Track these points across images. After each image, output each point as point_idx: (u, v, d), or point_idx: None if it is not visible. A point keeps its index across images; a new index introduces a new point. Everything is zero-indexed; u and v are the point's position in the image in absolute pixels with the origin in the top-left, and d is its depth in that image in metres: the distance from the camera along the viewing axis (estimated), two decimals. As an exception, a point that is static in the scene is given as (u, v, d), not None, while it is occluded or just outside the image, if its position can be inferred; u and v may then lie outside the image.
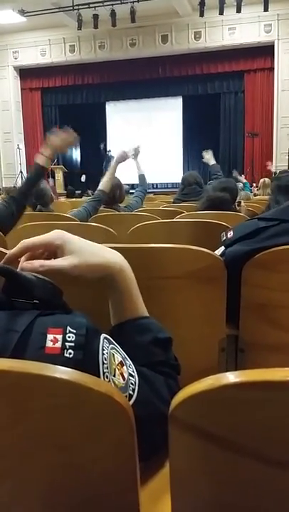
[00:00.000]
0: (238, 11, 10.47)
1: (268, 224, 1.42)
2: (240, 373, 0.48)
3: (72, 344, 0.60)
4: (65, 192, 11.08)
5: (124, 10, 10.72)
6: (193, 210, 3.16)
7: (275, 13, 11.08)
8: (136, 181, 4.26)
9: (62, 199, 7.68)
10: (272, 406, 0.48)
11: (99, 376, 0.61)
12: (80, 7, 10.93)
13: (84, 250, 0.80)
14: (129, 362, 0.68)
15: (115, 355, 0.66)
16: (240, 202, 3.23)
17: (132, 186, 3.90)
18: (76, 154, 15.94)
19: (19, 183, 12.82)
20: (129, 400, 0.64)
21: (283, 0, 10.82)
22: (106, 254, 0.82)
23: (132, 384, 0.65)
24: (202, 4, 10.45)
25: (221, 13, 10.52)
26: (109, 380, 0.62)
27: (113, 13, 10.93)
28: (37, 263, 0.77)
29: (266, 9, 10.23)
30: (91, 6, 10.81)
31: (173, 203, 4.69)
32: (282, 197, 2.40)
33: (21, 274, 0.67)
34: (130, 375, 0.66)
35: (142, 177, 4.16)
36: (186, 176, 4.69)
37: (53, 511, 0.61)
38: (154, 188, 13.30)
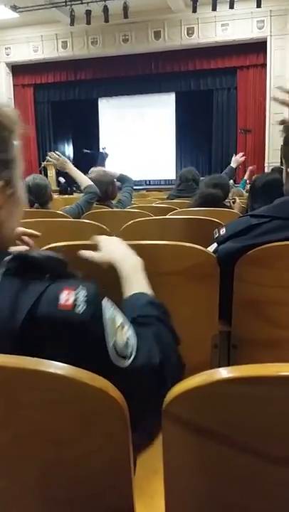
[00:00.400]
0: (231, 7, 10.45)
1: (260, 221, 1.42)
2: (233, 369, 0.49)
3: (84, 300, 0.65)
4: (58, 189, 11.04)
5: (116, 6, 10.67)
6: (186, 207, 3.16)
7: (267, 10, 11.08)
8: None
9: (56, 196, 7.65)
10: (265, 401, 0.49)
11: (104, 336, 0.65)
12: (73, 3, 10.87)
13: (109, 251, 1.10)
14: (128, 324, 0.73)
15: (116, 316, 0.70)
16: (235, 199, 3.25)
17: (120, 188, 3.87)
18: (69, 151, 15.89)
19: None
20: (129, 358, 0.67)
21: (276, -4, 10.83)
22: (115, 253, 1.08)
23: (131, 344, 0.69)
24: (195, 0, 10.43)
25: (214, 9, 10.50)
26: (112, 340, 0.66)
27: (106, 9, 10.87)
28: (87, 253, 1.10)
29: (259, 5, 10.22)
30: (84, 1, 10.75)
31: (167, 198, 4.69)
32: (259, 197, 2.42)
33: (31, 255, 0.71)
34: (129, 337, 0.70)
35: (122, 176, 4.04)
36: (184, 171, 4.67)
37: (49, 505, 0.61)
38: (146, 184, 13.27)
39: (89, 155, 13.16)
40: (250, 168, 7.83)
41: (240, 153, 5.32)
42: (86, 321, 0.63)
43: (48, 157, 3.58)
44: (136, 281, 0.97)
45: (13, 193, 0.79)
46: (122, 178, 4.02)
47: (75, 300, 0.64)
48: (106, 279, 0.98)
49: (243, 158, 5.17)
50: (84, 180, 3.33)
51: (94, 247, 1.14)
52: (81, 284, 0.68)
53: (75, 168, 3.43)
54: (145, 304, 0.86)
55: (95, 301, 0.66)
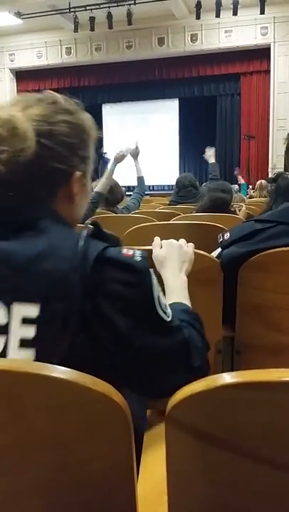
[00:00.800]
0: (235, 13, 10.49)
1: (265, 226, 1.42)
2: (237, 374, 0.49)
3: (140, 254, 0.78)
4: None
5: (120, 12, 10.72)
6: (190, 212, 3.16)
7: (271, 16, 11.11)
8: (133, 183, 4.21)
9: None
10: (268, 406, 0.49)
11: (152, 287, 0.78)
12: (77, 9, 10.93)
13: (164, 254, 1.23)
14: (169, 308, 0.84)
15: (161, 296, 0.81)
16: (241, 205, 3.25)
17: (129, 188, 3.89)
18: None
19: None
20: (168, 317, 0.81)
21: (279, 3, 10.85)
22: (163, 255, 1.23)
23: (168, 309, 0.83)
24: (198, 7, 10.47)
25: (218, 15, 10.54)
26: (163, 307, 0.79)
27: (110, 16, 10.93)
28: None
29: (262, 12, 10.25)
30: (88, 8, 10.81)
31: (168, 205, 4.69)
32: (280, 198, 2.41)
33: (103, 230, 0.83)
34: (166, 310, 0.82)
35: (140, 179, 4.12)
36: (181, 178, 4.69)
37: (51, 509, 0.61)
38: (150, 189, 13.29)
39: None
40: (236, 172, 7.79)
41: (207, 148, 5.26)
42: (143, 267, 0.76)
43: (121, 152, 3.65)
44: (177, 293, 1.10)
45: (85, 184, 0.93)
46: (140, 182, 4.08)
47: (134, 254, 0.78)
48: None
49: (212, 151, 5.12)
50: (104, 184, 3.37)
51: None
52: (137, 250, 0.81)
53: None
54: (180, 310, 0.97)
55: (146, 260, 0.79)
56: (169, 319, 0.80)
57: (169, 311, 0.82)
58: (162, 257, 1.23)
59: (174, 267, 1.20)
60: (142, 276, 0.77)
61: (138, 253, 0.79)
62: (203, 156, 5.21)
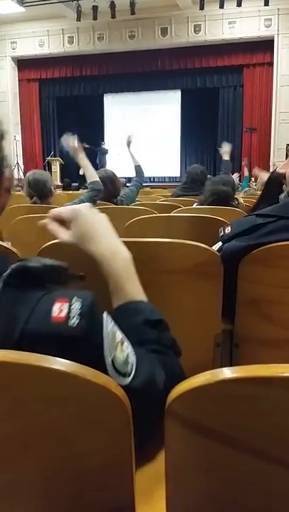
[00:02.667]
0: (239, 4, 10.42)
1: (266, 220, 1.42)
2: (237, 369, 0.49)
3: (78, 312, 0.62)
4: (62, 184, 11.04)
5: (123, 2, 10.65)
6: (190, 205, 3.15)
7: (275, 8, 11.04)
8: (132, 175, 4.19)
9: (59, 191, 7.65)
10: (268, 401, 0.49)
11: (102, 349, 0.63)
12: (80, -2, 10.87)
13: (83, 235, 0.93)
14: (128, 342, 0.70)
15: (116, 332, 0.68)
16: (237, 199, 3.24)
17: (129, 180, 3.86)
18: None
19: (15, 175, 12.78)
20: (128, 376, 0.65)
21: (284, -6, 10.79)
22: (99, 246, 0.92)
23: (130, 362, 0.67)
24: (202, -3, 10.41)
25: (222, 6, 10.48)
26: (112, 354, 0.64)
27: (113, 5, 10.86)
28: (48, 223, 0.97)
29: (266, 3, 10.19)
30: (91, -4, 10.75)
31: (171, 196, 4.67)
32: (274, 189, 2.40)
33: (30, 265, 0.70)
34: (128, 354, 0.68)
35: (138, 168, 4.08)
36: (191, 169, 4.63)
37: (49, 501, 0.61)
38: (151, 181, 13.27)
39: (89, 150, 13.20)
40: (244, 163, 7.72)
41: (225, 143, 5.14)
42: (79, 334, 0.60)
43: (61, 140, 3.62)
44: (129, 283, 0.88)
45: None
46: (138, 170, 4.04)
47: (69, 312, 0.62)
48: (107, 290, 0.93)
49: (229, 148, 5.02)
50: (92, 174, 3.33)
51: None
52: (76, 295, 0.65)
53: (86, 159, 3.41)
54: (142, 323, 0.81)
55: (90, 313, 0.63)
56: (129, 379, 0.64)
57: (130, 363, 0.66)
58: (81, 232, 0.94)
59: (113, 241, 0.94)
60: (79, 343, 0.60)
61: (75, 311, 0.62)
62: (218, 148, 5.09)
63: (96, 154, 12.65)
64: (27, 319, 0.62)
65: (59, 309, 0.62)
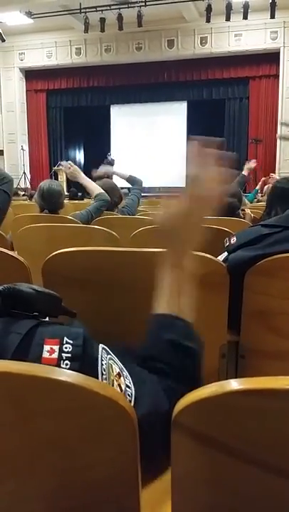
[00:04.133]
0: (245, 17, 10.50)
1: (272, 231, 1.42)
2: (244, 381, 0.49)
3: (69, 355, 0.61)
4: (68, 194, 11.08)
5: (131, 14, 10.75)
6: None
7: (281, 21, 11.11)
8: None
9: (65, 201, 7.67)
10: (275, 414, 0.48)
11: None
12: (87, 10, 10.97)
13: (184, 224, 0.87)
14: (126, 373, 0.68)
15: (113, 366, 0.66)
16: (244, 210, 3.25)
17: (129, 190, 3.83)
18: (80, 156, 15.97)
19: (22, 184, 12.84)
20: None
21: (290, 8, 10.86)
22: (181, 246, 0.87)
23: (128, 395, 0.65)
24: (209, 10, 10.48)
25: (228, 19, 10.55)
26: None
27: (120, 17, 10.96)
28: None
29: (273, 16, 10.25)
30: (98, 9, 10.85)
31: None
32: (276, 201, 2.41)
33: (22, 289, 0.68)
34: (127, 386, 0.66)
35: (131, 178, 3.96)
36: None
37: (55, 513, 0.61)
38: (157, 191, 13.29)
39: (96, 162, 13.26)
40: (264, 178, 7.78)
41: (253, 160, 5.30)
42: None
43: (59, 163, 3.67)
44: (184, 299, 0.84)
45: None
46: (132, 180, 3.95)
47: (60, 354, 0.60)
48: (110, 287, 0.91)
49: (255, 164, 5.16)
50: (95, 188, 3.32)
51: (105, 254, 1.09)
52: (66, 334, 0.63)
53: (86, 178, 3.42)
54: (168, 341, 0.75)
55: (82, 354, 0.61)
56: None
57: (127, 397, 0.64)
58: (169, 231, 0.87)
59: (181, 248, 0.88)
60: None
61: (67, 353, 0.60)
62: (246, 162, 5.28)
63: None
64: (15, 351, 0.60)
65: (49, 351, 0.60)
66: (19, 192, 10.11)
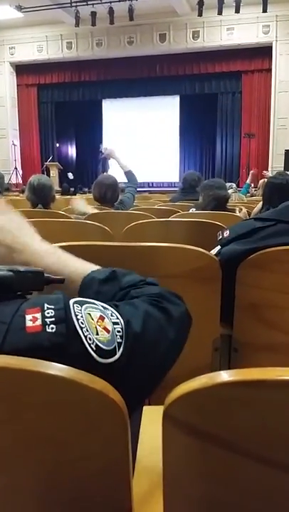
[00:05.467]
0: (237, 11, 10.48)
1: (265, 224, 1.42)
2: (234, 372, 0.49)
3: (53, 319, 0.61)
4: (60, 189, 11.05)
5: (122, 8, 10.70)
6: (186, 209, 3.16)
7: (273, 14, 11.10)
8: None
9: (57, 196, 7.65)
10: (266, 405, 0.48)
11: (83, 342, 0.61)
12: (78, 4, 10.91)
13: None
14: (110, 310, 0.68)
15: (92, 313, 0.66)
16: (241, 208, 3.27)
17: (125, 185, 3.84)
18: (72, 151, 15.92)
19: (13, 180, 12.79)
20: (119, 347, 0.64)
21: (282, 1, 10.84)
22: (27, 250, 0.85)
23: (118, 332, 0.65)
24: (201, 4, 10.45)
25: (220, 13, 10.52)
26: (93, 341, 0.62)
27: (111, 11, 10.90)
28: None
29: (265, 10, 10.25)
30: (89, 3, 10.79)
31: (170, 201, 4.69)
32: (275, 196, 2.43)
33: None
34: (114, 323, 0.66)
35: (129, 173, 3.99)
36: (187, 175, 4.67)
37: (47, 506, 0.61)
38: (149, 186, 13.29)
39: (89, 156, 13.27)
40: (252, 171, 7.84)
41: (255, 169, 5.73)
42: (60, 340, 0.59)
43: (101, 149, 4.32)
44: (68, 267, 0.85)
45: None
46: (129, 176, 3.97)
47: (43, 321, 0.60)
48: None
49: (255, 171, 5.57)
50: (126, 165, 3.89)
51: (98, 248, 1.10)
52: (46, 301, 0.63)
53: (119, 156, 4.05)
54: (97, 287, 0.79)
55: (66, 316, 0.62)
56: (118, 355, 0.63)
57: (116, 336, 0.65)
58: None
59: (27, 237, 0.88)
60: (65, 347, 0.59)
61: (50, 317, 0.61)
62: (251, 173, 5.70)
63: (99, 161, 12.71)
64: (3, 340, 0.59)
65: (32, 319, 0.60)
66: (11, 188, 10.07)
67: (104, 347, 0.62)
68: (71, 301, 0.66)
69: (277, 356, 1.38)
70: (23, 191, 7.28)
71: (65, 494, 0.59)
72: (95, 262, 1.07)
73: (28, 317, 0.61)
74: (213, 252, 1.47)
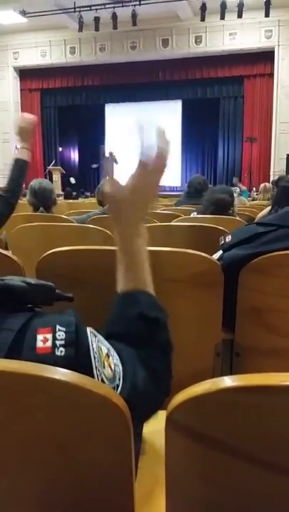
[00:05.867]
0: (239, 16, 10.51)
1: (267, 229, 1.42)
2: (237, 377, 0.49)
3: (63, 342, 0.61)
4: (63, 193, 11.07)
5: (125, 13, 10.74)
6: (198, 213, 3.16)
7: (276, 19, 11.13)
8: None
9: (60, 200, 7.67)
10: (269, 410, 0.48)
11: (92, 370, 0.62)
12: (82, 9, 10.95)
13: (130, 201, 0.86)
14: (113, 352, 0.69)
15: (102, 347, 0.67)
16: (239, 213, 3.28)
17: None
18: (74, 155, 15.95)
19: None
20: (117, 389, 0.64)
21: (284, 6, 10.87)
22: (130, 220, 0.86)
23: (118, 373, 0.66)
24: (203, 9, 10.49)
25: (222, 17, 10.56)
26: (101, 373, 0.63)
27: (114, 16, 10.94)
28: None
29: (267, 15, 10.27)
30: (92, 8, 10.83)
31: (175, 205, 4.69)
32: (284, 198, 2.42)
33: (13, 284, 0.69)
34: (116, 365, 0.67)
35: None
36: (193, 179, 4.68)
37: (48, 509, 0.61)
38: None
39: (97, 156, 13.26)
40: (234, 181, 7.88)
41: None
42: (68, 364, 0.58)
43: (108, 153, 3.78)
44: (139, 271, 0.85)
45: None
46: None
47: (54, 342, 0.61)
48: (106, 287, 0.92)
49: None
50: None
51: (100, 253, 1.08)
52: (58, 322, 0.64)
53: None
54: (136, 316, 0.78)
55: (76, 340, 0.62)
56: (118, 392, 0.64)
57: (117, 375, 0.66)
58: (123, 202, 0.87)
59: (137, 219, 0.88)
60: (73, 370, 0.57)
61: (61, 340, 0.61)
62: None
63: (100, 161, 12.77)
64: (9, 348, 0.60)
65: (43, 340, 0.61)
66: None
67: (107, 382, 0.63)
68: (88, 329, 0.67)
69: (280, 361, 1.38)
70: (24, 195, 7.29)
71: (67, 497, 0.59)
72: (97, 267, 1.07)
73: (40, 337, 0.61)
74: (215, 256, 1.47)
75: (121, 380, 0.66)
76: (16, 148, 2.54)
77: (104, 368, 0.64)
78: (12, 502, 0.60)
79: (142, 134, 0.88)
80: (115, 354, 0.69)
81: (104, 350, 0.67)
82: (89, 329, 0.67)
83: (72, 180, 13.47)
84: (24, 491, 0.59)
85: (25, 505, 0.61)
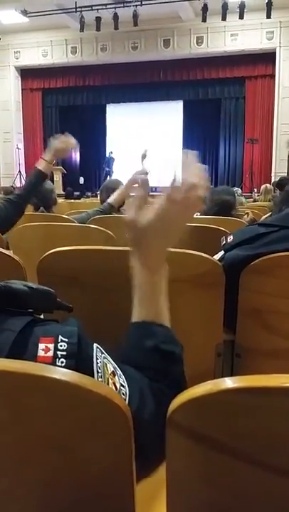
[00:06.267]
0: (241, 17, 10.52)
1: (268, 230, 1.42)
2: (239, 379, 0.49)
3: (64, 353, 0.61)
4: (64, 193, 11.07)
5: (126, 13, 10.75)
6: (200, 214, 3.16)
7: (277, 21, 11.14)
8: None
9: (61, 200, 7.67)
10: (270, 412, 0.48)
11: None
12: (83, 9, 10.96)
13: (152, 231, 0.81)
14: (120, 372, 0.68)
15: (108, 364, 0.66)
16: (248, 213, 3.26)
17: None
18: (76, 155, 15.96)
19: (17, 183, 12.82)
20: None
21: (286, 7, 10.87)
22: (151, 251, 0.82)
23: (123, 394, 0.65)
24: (205, 10, 10.50)
25: (224, 19, 10.57)
26: None
27: (116, 16, 10.95)
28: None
29: (269, 16, 10.28)
30: (94, 8, 10.84)
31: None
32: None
33: (15, 287, 0.68)
34: (121, 385, 0.66)
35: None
36: None
37: (48, 510, 0.61)
38: (152, 191, 13.27)
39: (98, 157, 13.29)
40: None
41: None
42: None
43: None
44: (157, 300, 0.82)
45: None
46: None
47: (55, 352, 0.60)
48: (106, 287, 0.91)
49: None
50: (118, 197, 3.24)
51: (101, 253, 1.08)
52: (61, 332, 0.63)
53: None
54: (152, 348, 0.75)
55: (77, 352, 0.61)
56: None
57: (122, 396, 0.64)
58: (146, 231, 0.80)
59: (162, 249, 0.84)
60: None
61: (62, 351, 0.61)
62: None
63: (108, 163, 12.83)
64: (10, 349, 0.60)
65: (44, 349, 0.60)
66: (15, 191, 10.08)
67: None
68: (95, 345, 0.66)
69: (281, 362, 1.37)
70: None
71: (66, 497, 0.59)
72: (98, 267, 1.06)
73: (41, 346, 0.61)
74: (217, 257, 1.47)
75: (126, 401, 0.64)
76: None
77: (108, 384, 0.63)
78: (12, 502, 0.60)
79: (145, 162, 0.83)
80: (123, 376, 0.67)
81: (111, 368, 0.66)
82: (96, 345, 0.67)
83: (82, 180, 13.53)
84: (24, 491, 0.59)
85: (25, 505, 0.60)
